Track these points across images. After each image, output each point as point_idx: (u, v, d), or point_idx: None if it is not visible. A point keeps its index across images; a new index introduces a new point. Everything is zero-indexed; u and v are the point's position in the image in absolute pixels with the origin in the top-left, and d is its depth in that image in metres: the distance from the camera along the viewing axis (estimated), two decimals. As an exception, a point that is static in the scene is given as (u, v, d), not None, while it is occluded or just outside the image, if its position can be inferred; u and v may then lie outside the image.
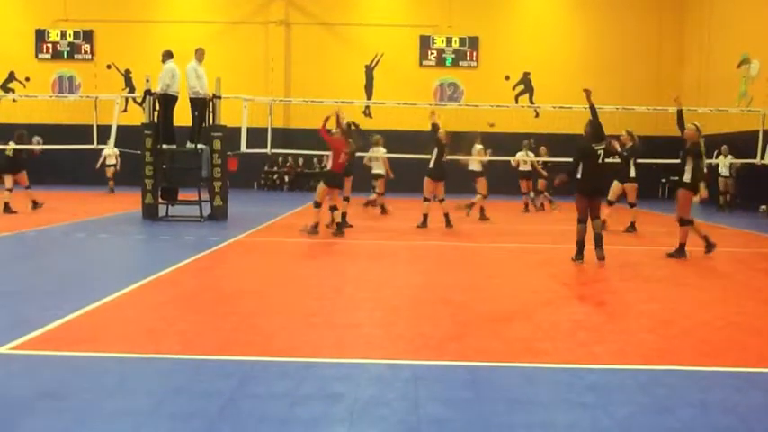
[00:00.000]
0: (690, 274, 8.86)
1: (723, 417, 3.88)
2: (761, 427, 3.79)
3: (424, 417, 3.78)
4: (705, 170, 10.28)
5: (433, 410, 3.87)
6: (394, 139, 17.69)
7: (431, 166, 13.14)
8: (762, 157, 16.66)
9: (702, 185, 9.93)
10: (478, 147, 15.31)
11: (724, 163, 19.69)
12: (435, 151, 13.05)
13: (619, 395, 4.21)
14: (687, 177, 10.07)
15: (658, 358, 4.99)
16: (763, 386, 4.49)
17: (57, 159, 22.13)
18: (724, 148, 20.04)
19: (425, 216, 13.02)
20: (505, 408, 3.95)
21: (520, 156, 17.64)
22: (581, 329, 5.74)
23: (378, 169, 15.43)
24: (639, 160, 13.78)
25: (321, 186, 11.87)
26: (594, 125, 9.49)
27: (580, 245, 9.28)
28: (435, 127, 13.12)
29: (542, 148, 18.14)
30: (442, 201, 13.21)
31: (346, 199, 13.11)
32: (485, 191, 15.20)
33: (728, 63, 21.97)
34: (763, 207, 18.54)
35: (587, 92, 10.02)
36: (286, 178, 26.40)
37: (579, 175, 9.27)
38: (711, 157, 20.36)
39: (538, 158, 17.74)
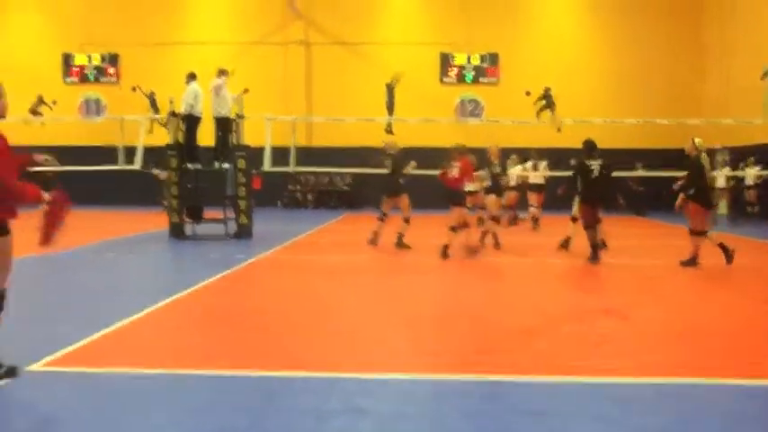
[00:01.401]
0: (710, 287, 8.80)
1: (747, 428, 3.88)
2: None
3: (448, 431, 3.82)
4: (711, 183, 10.86)
5: (456, 425, 3.91)
6: (415, 156, 17.76)
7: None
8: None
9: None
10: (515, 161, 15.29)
11: (750, 174, 19.54)
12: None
13: (642, 408, 4.22)
14: (692, 191, 10.11)
15: (683, 370, 4.98)
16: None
17: (83, 180, 22.50)
18: (750, 159, 19.90)
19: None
20: (527, 421, 3.98)
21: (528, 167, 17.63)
22: (604, 343, 5.74)
23: None
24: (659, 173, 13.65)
25: (458, 210, 11.33)
26: (586, 142, 10.79)
27: (594, 246, 10.40)
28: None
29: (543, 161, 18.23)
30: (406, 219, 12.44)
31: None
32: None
33: (751, 74, 21.79)
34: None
35: None
36: (309, 196, 26.59)
37: (581, 188, 10.73)
38: (738, 169, 20.24)
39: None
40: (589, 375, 4.87)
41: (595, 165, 10.45)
